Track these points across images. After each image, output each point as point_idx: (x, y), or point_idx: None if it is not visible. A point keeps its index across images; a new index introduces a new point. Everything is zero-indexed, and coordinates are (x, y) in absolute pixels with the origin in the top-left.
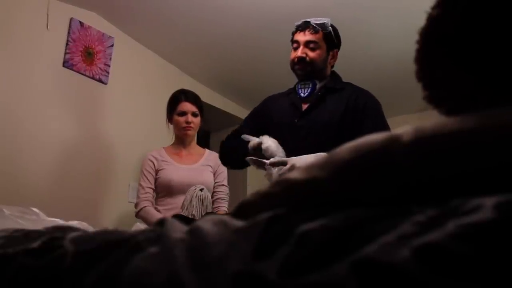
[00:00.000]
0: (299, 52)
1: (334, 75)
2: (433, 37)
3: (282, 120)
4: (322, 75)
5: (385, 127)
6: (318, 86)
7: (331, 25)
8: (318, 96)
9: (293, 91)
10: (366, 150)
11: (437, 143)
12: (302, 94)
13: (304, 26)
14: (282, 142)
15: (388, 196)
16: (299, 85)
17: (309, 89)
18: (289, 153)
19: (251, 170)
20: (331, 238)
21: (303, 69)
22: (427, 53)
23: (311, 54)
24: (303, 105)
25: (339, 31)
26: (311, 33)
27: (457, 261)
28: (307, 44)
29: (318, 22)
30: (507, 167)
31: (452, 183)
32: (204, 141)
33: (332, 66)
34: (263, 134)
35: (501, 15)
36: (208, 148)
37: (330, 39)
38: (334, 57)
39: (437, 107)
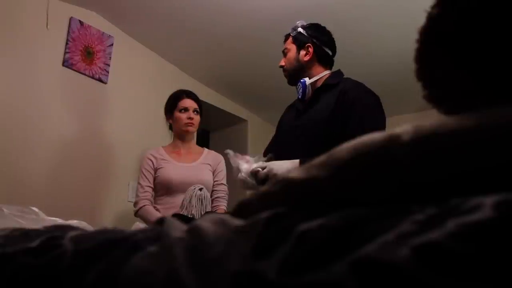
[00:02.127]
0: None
1: (335, 73)
2: (433, 36)
3: (285, 123)
4: (305, 72)
5: (374, 123)
6: (308, 82)
7: (310, 25)
8: (312, 95)
9: None
10: (366, 149)
11: (436, 142)
12: (299, 96)
13: (284, 39)
14: (283, 144)
15: (388, 195)
16: (296, 88)
17: (301, 88)
18: (286, 154)
19: None
20: (330, 237)
21: (285, 75)
22: (427, 52)
23: (283, 60)
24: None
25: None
26: (284, 42)
27: (457, 260)
28: (283, 53)
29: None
30: (507, 166)
31: (452, 182)
32: (203, 140)
33: (323, 61)
34: None
35: (500, 14)
36: (208, 147)
37: (298, 38)
38: (309, 52)
39: (437, 106)
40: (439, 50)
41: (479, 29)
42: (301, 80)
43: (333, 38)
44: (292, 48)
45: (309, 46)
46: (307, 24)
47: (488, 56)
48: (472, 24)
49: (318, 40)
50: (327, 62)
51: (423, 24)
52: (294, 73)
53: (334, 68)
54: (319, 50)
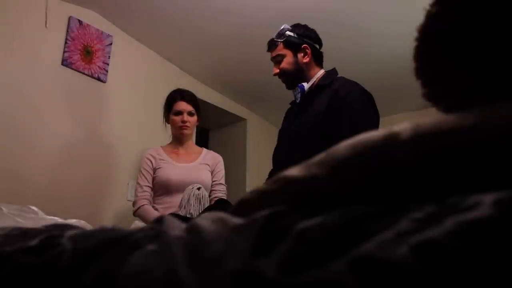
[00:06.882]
0: (273, 71)
1: (329, 72)
2: (432, 34)
3: (284, 129)
4: (305, 76)
5: (365, 122)
6: (307, 86)
7: (295, 25)
8: (305, 98)
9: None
10: (364, 148)
11: (435, 140)
12: (297, 100)
13: (268, 47)
14: (281, 149)
15: (387, 193)
16: (294, 93)
17: (299, 93)
18: (284, 159)
19: (250, 168)
20: (329, 236)
21: (283, 81)
22: (426, 50)
23: (281, 66)
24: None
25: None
26: (273, 50)
27: (456, 258)
28: (274, 60)
29: (275, 35)
30: (506, 164)
31: (451, 180)
32: (203, 139)
33: (318, 60)
34: None
35: (499, 13)
36: (207, 146)
37: (292, 42)
38: (307, 53)
39: (436, 105)
40: (438, 49)
41: (478, 27)
42: (299, 85)
43: (318, 35)
44: (288, 53)
45: (306, 47)
46: (291, 26)
47: (487, 54)
48: (471, 22)
49: (310, 39)
50: (321, 60)
51: (422, 22)
52: (294, 77)
53: (329, 66)
54: (314, 49)
